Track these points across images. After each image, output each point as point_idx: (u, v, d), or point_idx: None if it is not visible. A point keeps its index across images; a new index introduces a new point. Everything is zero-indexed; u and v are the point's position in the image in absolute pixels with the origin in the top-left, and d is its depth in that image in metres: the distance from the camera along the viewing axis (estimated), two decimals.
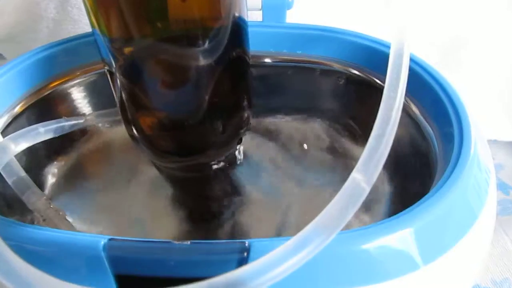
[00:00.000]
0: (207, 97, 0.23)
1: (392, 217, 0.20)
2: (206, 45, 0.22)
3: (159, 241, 0.19)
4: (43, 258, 0.20)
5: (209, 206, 0.30)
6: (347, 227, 0.19)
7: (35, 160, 0.28)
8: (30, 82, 0.28)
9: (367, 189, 0.20)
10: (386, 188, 0.29)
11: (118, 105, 0.24)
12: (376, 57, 0.29)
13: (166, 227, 0.28)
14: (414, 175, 0.27)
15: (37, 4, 0.36)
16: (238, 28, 0.23)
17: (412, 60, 0.27)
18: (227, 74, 0.23)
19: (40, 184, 0.29)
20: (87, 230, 0.27)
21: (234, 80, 0.24)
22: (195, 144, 0.25)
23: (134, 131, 0.24)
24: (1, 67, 0.27)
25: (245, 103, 0.25)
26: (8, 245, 0.17)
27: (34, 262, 0.19)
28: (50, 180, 0.29)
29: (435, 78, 0.26)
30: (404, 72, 0.23)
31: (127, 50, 0.21)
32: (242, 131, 0.26)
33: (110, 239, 0.19)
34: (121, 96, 0.23)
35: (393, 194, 0.29)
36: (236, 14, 0.22)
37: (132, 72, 0.22)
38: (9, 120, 0.27)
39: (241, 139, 0.26)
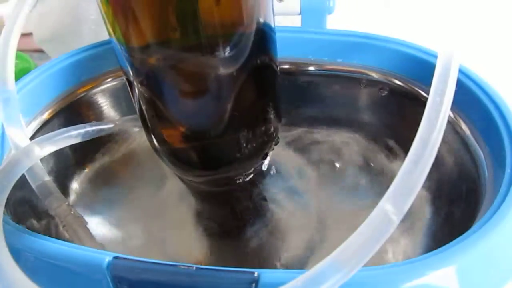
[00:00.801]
0: (229, 108, 0.22)
1: (432, 252, 0.18)
2: (228, 52, 0.20)
3: (164, 264, 0.18)
4: (47, 269, 0.19)
5: (234, 221, 0.28)
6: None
7: (63, 164, 0.28)
8: (58, 88, 0.28)
9: (396, 222, 0.18)
10: (427, 211, 0.26)
11: (138, 115, 0.23)
12: (422, 68, 0.26)
13: (189, 240, 0.28)
14: (459, 200, 0.24)
15: (78, 5, 0.36)
16: (263, 35, 0.21)
17: (461, 72, 0.24)
18: (250, 83, 0.22)
19: (66, 188, 0.29)
20: (109, 237, 0.27)
21: (259, 90, 0.23)
22: (217, 158, 0.24)
23: (155, 142, 0.23)
24: (28, 74, 0.27)
25: (272, 115, 0.24)
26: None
27: (38, 272, 0.19)
28: (77, 185, 0.29)
29: (487, 93, 0.23)
30: (450, 85, 0.21)
31: (145, 58, 0.20)
32: (268, 146, 0.24)
33: (115, 257, 0.18)
34: (140, 107, 0.22)
35: (434, 218, 0.26)
36: (261, 20, 0.21)
37: (151, 82, 0.21)
38: (38, 126, 0.27)
39: (266, 154, 0.25)
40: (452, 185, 0.25)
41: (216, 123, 0.22)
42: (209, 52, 0.20)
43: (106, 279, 0.18)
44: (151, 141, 0.24)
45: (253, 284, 0.17)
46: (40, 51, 0.45)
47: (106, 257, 0.18)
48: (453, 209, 0.25)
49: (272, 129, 0.24)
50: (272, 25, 0.22)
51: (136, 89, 0.22)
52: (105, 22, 0.20)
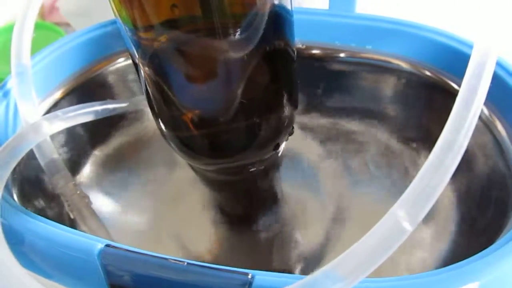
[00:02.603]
0: (239, 94, 0.20)
1: (452, 266, 0.16)
2: (239, 34, 0.19)
3: (155, 256, 0.17)
4: (40, 251, 0.19)
5: (245, 211, 0.27)
6: None
7: (76, 146, 0.28)
8: (73, 66, 0.27)
9: (409, 230, 0.16)
10: (450, 217, 0.24)
11: (146, 99, 0.22)
12: (456, 59, 0.24)
13: (199, 228, 0.27)
14: (486, 208, 0.22)
15: None
16: (278, 16, 0.20)
17: (499, 65, 0.22)
18: (263, 68, 0.20)
19: (76, 168, 0.28)
20: (114, 220, 0.26)
21: (272, 75, 0.21)
22: (227, 145, 0.22)
23: (163, 128, 0.22)
24: (42, 51, 0.26)
25: (286, 102, 0.22)
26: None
27: (31, 252, 0.19)
28: (87, 165, 0.29)
29: None
30: (485, 80, 0.18)
31: (151, 40, 0.19)
32: (281, 135, 0.23)
33: (106, 245, 0.18)
34: (147, 91, 0.21)
35: (457, 225, 0.24)
36: (276, 1, 0.19)
37: (158, 65, 0.20)
38: (51, 105, 0.27)
39: (278, 145, 0.23)
40: (481, 191, 0.23)
41: (226, 109, 0.21)
42: (219, 34, 0.19)
43: (97, 266, 0.18)
44: (159, 128, 0.23)
45: (246, 286, 0.16)
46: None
47: (98, 244, 0.18)
48: (480, 217, 0.23)
49: (286, 118, 0.22)
50: (288, 7, 0.20)
51: (143, 72, 0.20)
52: (109, 0, 0.19)
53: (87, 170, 0.28)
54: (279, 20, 0.20)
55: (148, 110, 0.30)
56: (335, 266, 0.15)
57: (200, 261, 0.17)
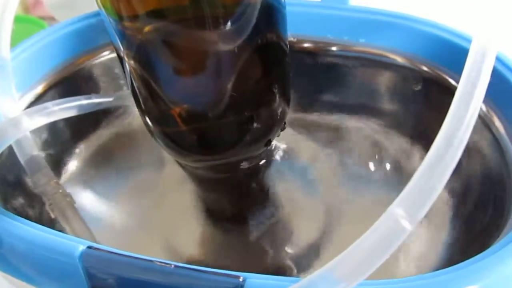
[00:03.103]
0: (232, 88, 0.19)
1: (451, 268, 0.16)
2: (229, 26, 0.18)
3: (141, 258, 0.16)
4: (19, 252, 0.18)
5: (235, 210, 0.26)
6: None
7: (56, 139, 0.27)
8: (55, 59, 0.26)
9: (408, 230, 0.15)
10: (447, 217, 0.23)
11: (131, 94, 0.21)
12: (455, 54, 0.23)
13: (187, 230, 0.26)
14: (485, 208, 0.21)
15: None
16: (270, 8, 0.19)
17: (499, 60, 0.21)
18: (254, 62, 0.19)
19: (58, 166, 0.27)
20: (99, 220, 0.25)
21: (263, 69, 0.20)
22: (216, 142, 0.22)
23: (149, 123, 0.21)
24: (22, 43, 0.25)
25: (278, 97, 0.21)
26: None
27: (10, 254, 0.18)
28: (70, 162, 0.28)
29: None
30: (484, 75, 0.18)
31: (137, 31, 0.18)
32: (274, 129, 0.22)
33: (88, 247, 0.17)
34: (132, 85, 0.20)
35: (454, 226, 0.23)
36: None
37: (144, 57, 0.19)
38: (33, 100, 0.25)
39: (270, 141, 0.22)
40: (478, 191, 0.22)
41: (216, 103, 0.20)
42: (209, 24, 0.18)
43: (78, 269, 0.17)
44: (145, 123, 0.22)
45: None
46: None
47: (80, 246, 0.17)
48: (477, 218, 0.22)
49: (278, 113, 0.22)
50: None
51: (128, 65, 0.19)
52: None
53: (70, 168, 0.27)
54: (272, 11, 0.19)
55: (132, 104, 0.29)
56: (332, 267, 0.14)
57: (189, 263, 0.16)
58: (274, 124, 0.22)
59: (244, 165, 0.24)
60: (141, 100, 0.21)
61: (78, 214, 0.23)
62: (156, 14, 0.18)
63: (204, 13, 0.17)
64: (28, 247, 0.17)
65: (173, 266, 0.16)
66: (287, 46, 0.21)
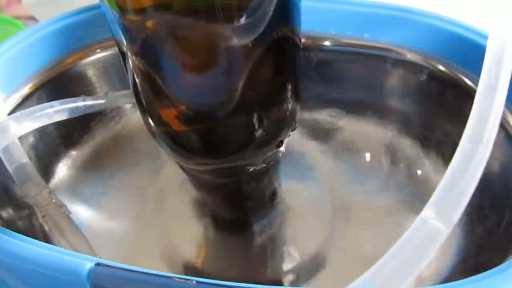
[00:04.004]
0: (242, 85, 0.18)
1: (464, 282, 0.15)
2: (241, 19, 0.17)
3: (157, 275, 0.15)
4: (18, 273, 0.16)
5: (240, 215, 0.25)
6: None
7: (45, 145, 0.25)
8: (42, 58, 0.24)
9: (444, 233, 0.14)
10: (463, 221, 0.23)
11: (132, 92, 0.20)
12: (468, 50, 0.23)
13: (190, 235, 0.24)
14: (501, 217, 0.21)
15: None
16: (285, 0, 0.18)
17: None
18: (268, 57, 0.18)
19: (48, 173, 0.25)
20: (95, 231, 0.24)
21: (276, 65, 0.19)
22: (224, 144, 0.20)
23: (152, 124, 0.20)
24: (6, 41, 0.23)
25: (290, 96, 0.20)
26: None
27: (7, 275, 0.16)
28: (61, 169, 0.26)
29: None
30: (505, 74, 0.17)
31: (142, 25, 0.17)
32: (284, 130, 0.21)
33: (97, 264, 0.15)
34: (134, 83, 0.19)
35: (468, 234, 0.22)
36: None
37: (148, 53, 0.18)
38: (18, 102, 0.24)
39: (281, 142, 0.21)
40: (494, 197, 0.22)
41: (224, 102, 0.19)
42: (220, 17, 0.17)
43: None
44: (147, 123, 0.20)
45: None
46: (34, 18, 0.41)
47: (87, 264, 0.15)
48: (493, 224, 0.21)
49: (289, 113, 0.20)
50: None
51: (131, 61, 0.18)
52: None
53: (60, 175, 0.26)
54: (287, 3, 0.18)
55: (127, 107, 0.27)
56: (371, 277, 0.13)
57: (188, 272, 0.15)
58: (285, 125, 0.21)
59: (251, 168, 0.23)
60: (143, 99, 0.19)
61: (75, 226, 0.21)
62: (162, 5, 0.16)
63: (214, 4, 0.16)
64: (26, 267, 0.16)
65: (194, 282, 0.14)
66: (300, 42, 0.20)
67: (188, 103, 0.19)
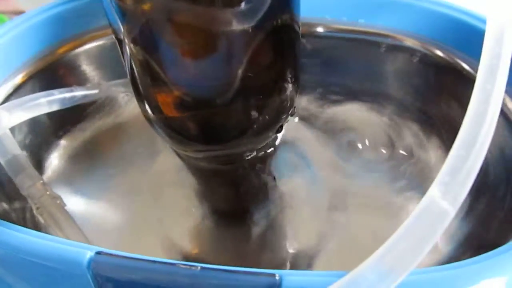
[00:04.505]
0: (240, 71, 0.18)
1: (476, 259, 0.15)
2: (242, 3, 0.16)
3: (160, 262, 0.14)
4: (15, 264, 0.15)
5: (238, 204, 0.25)
6: None
7: (38, 135, 0.24)
8: (35, 47, 0.24)
9: (452, 212, 0.14)
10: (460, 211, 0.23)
11: (129, 80, 0.19)
12: (466, 34, 0.22)
13: (186, 226, 0.24)
14: (502, 194, 0.21)
15: None
16: None
17: None
18: (268, 43, 0.18)
19: (42, 164, 0.25)
20: (91, 223, 0.23)
21: (277, 51, 0.19)
22: (224, 130, 0.20)
23: (149, 111, 0.19)
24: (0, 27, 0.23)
25: (290, 81, 0.20)
26: None
27: (4, 267, 0.15)
28: (54, 160, 0.25)
29: None
30: (505, 57, 0.17)
31: (140, 9, 0.16)
32: (283, 116, 0.21)
33: (97, 253, 0.15)
34: (132, 70, 0.18)
35: (470, 208, 0.22)
36: None
37: (146, 38, 0.17)
38: (10, 92, 0.23)
39: (281, 127, 0.21)
40: (495, 174, 0.21)
41: (225, 87, 0.18)
42: (218, 2, 0.16)
43: (86, 279, 0.15)
44: (144, 110, 0.20)
45: None
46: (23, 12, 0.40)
47: (87, 252, 0.15)
48: (494, 202, 0.21)
49: (289, 97, 0.20)
50: None
51: (128, 48, 0.18)
52: None
53: (54, 166, 0.25)
54: None
55: (121, 96, 0.27)
56: (379, 258, 0.13)
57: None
58: (284, 110, 0.20)
59: (250, 154, 0.22)
60: (140, 86, 0.19)
61: (71, 218, 0.21)
62: None
63: None
64: (22, 258, 0.15)
65: (199, 268, 0.14)
66: (299, 28, 0.20)
67: (187, 89, 0.19)
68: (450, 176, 0.15)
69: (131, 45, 0.17)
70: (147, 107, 0.19)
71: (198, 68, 0.18)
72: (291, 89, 0.20)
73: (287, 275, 0.14)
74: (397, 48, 0.25)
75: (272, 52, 0.19)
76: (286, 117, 0.21)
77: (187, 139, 0.20)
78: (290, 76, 0.20)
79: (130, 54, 0.18)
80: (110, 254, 0.15)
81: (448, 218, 0.14)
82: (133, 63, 0.18)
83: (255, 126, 0.20)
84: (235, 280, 0.14)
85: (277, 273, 0.14)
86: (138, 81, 0.19)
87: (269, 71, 0.19)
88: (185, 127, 0.20)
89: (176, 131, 0.20)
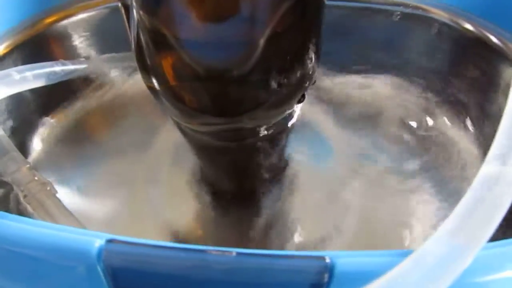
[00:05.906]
0: (261, 37, 0.16)
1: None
2: None
3: (188, 249, 0.12)
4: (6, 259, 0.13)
5: (245, 186, 0.23)
6: None
7: (22, 114, 0.22)
8: (18, 15, 0.21)
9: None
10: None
11: (133, 47, 0.17)
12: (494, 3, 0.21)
13: (187, 210, 0.22)
14: None
15: None
16: None
17: None
18: (293, 8, 0.16)
19: (27, 146, 0.22)
20: (84, 211, 0.21)
21: (302, 18, 0.17)
22: (236, 101, 0.18)
23: (154, 81, 0.17)
24: None
25: (314, 51, 0.18)
26: None
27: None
28: (41, 141, 0.23)
29: None
30: None
31: None
32: (305, 84, 0.19)
33: (108, 241, 0.12)
34: (138, 35, 0.16)
35: None
36: None
37: (158, 2, 0.15)
38: None
39: (303, 96, 0.19)
40: None
41: (242, 54, 0.16)
42: None
43: (96, 271, 0.12)
44: (149, 82, 0.18)
45: (325, 275, 0.11)
46: None
47: (96, 241, 0.12)
48: None
49: (312, 67, 0.18)
50: None
51: (136, 13, 0.16)
52: None
53: (38, 147, 0.22)
54: None
55: (112, 71, 0.24)
56: (449, 232, 0.11)
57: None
58: (305, 80, 0.18)
59: (261, 132, 0.20)
60: (147, 57, 0.17)
61: (64, 206, 0.18)
62: None
63: None
64: (24, 250, 0.13)
65: (234, 253, 0.12)
66: None
67: (201, 55, 0.16)
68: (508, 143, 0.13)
69: (139, 11, 0.16)
70: (153, 79, 0.17)
71: (215, 31, 0.16)
72: (313, 58, 0.18)
73: (340, 257, 0.12)
74: (416, 18, 0.23)
75: (297, 18, 0.17)
76: (308, 86, 0.19)
77: (194, 110, 0.18)
78: (314, 45, 0.18)
79: (137, 20, 0.16)
80: (124, 242, 0.12)
81: None
82: (140, 30, 0.16)
83: (274, 97, 0.18)
84: (278, 265, 0.12)
85: (327, 255, 0.12)
86: (145, 50, 0.17)
87: (293, 38, 0.17)
88: (195, 96, 0.17)
89: (183, 102, 0.18)
